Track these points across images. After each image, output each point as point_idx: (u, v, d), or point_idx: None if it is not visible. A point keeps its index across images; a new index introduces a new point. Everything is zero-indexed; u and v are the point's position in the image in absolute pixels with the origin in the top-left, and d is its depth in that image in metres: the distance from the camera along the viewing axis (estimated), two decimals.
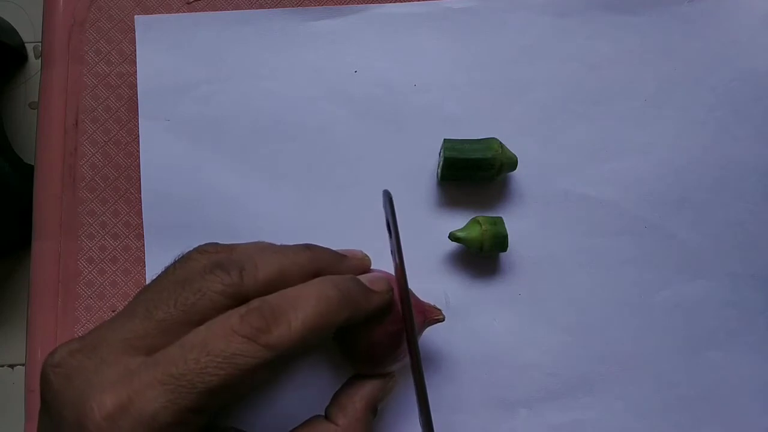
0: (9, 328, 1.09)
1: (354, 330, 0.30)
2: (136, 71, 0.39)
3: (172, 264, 0.28)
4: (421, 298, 0.35)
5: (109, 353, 0.24)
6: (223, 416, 0.27)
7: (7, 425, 1.07)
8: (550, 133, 0.38)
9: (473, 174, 0.36)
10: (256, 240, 0.36)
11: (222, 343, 0.23)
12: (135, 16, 0.39)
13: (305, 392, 0.35)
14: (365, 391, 0.30)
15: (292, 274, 0.27)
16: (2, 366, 1.09)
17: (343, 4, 0.39)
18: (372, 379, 0.31)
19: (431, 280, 0.37)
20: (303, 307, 0.25)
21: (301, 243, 0.30)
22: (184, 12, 0.39)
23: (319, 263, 0.28)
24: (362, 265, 0.32)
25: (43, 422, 0.25)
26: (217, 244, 0.29)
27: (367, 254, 0.32)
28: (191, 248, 0.29)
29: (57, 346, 0.26)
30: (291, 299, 0.25)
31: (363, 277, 0.30)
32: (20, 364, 1.09)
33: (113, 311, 0.37)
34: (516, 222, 0.37)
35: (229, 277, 0.25)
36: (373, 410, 0.30)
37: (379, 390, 0.30)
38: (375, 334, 0.30)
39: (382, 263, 0.33)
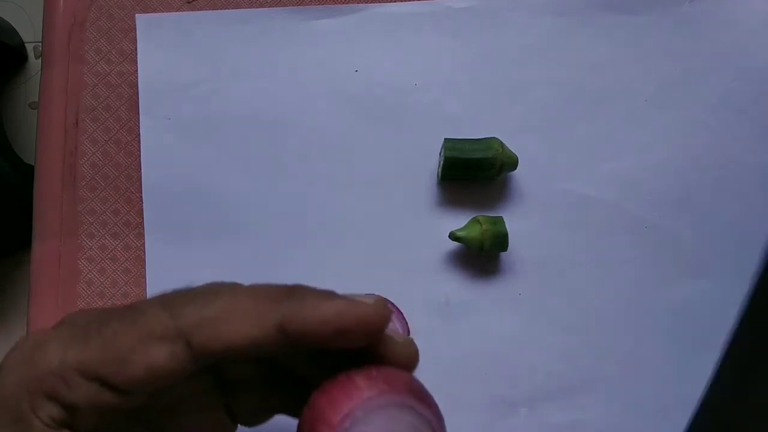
0: (9, 328, 1.09)
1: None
2: (136, 70, 0.39)
3: None
4: (422, 297, 0.36)
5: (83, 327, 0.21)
6: None
7: None
8: (551, 133, 0.38)
9: (474, 173, 0.36)
10: (255, 238, 0.36)
11: (141, 307, 0.21)
12: (135, 15, 0.39)
13: None
14: None
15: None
16: None
17: (343, 3, 0.39)
18: None
19: (431, 280, 0.37)
20: (230, 294, 0.21)
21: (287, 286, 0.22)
22: (185, 11, 0.39)
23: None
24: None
25: None
26: None
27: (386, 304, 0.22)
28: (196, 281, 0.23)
29: None
30: (222, 291, 0.21)
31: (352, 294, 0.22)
32: None
33: None
34: (516, 221, 0.37)
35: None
36: None
37: None
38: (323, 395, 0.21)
39: (382, 260, 0.33)
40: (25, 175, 1.00)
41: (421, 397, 0.20)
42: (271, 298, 0.21)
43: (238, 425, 0.25)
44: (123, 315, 0.21)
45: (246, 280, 0.22)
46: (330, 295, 0.21)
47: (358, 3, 0.39)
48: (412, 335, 0.35)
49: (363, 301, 0.21)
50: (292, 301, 0.21)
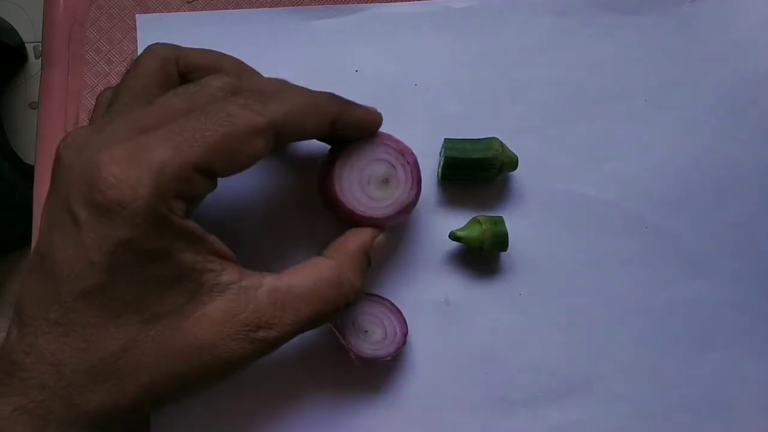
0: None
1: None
2: None
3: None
4: (422, 297, 0.36)
5: (118, 130, 0.26)
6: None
7: None
8: (551, 133, 0.38)
9: (474, 173, 0.36)
10: (255, 237, 0.36)
11: (220, 106, 0.26)
12: (135, 15, 0.39)
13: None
14: (358, 236, 0.32)
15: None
16: None
17: (344, 3, 0.39)
18: (364, 228, 0.32)
19: (431, 280, 0.37)
20: (297, 96, 0.28)
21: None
22: (185, 11, 0.39)
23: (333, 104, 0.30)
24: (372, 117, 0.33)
25: (50, 207, 0.26)
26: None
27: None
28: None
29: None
30: (286, 91, 0.29)
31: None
32: None
33: None
34: (516, 221, 0.37)
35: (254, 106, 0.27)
36: (366, 255, 0.31)
37: (371, 237, 0.32)
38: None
39: (382, 259, 0.33)
40: (25, 174, 1.00)
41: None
42: (328, 100, 0.30)
43: None
44: (208, 114, 0.26)
45: None
46: (358, 104, 0.31)
47: (358, 3, 0.39)
48: (411, 335, 0.35)
49: (375, 110, 0.32)
50: (340, 105, 0.30)
